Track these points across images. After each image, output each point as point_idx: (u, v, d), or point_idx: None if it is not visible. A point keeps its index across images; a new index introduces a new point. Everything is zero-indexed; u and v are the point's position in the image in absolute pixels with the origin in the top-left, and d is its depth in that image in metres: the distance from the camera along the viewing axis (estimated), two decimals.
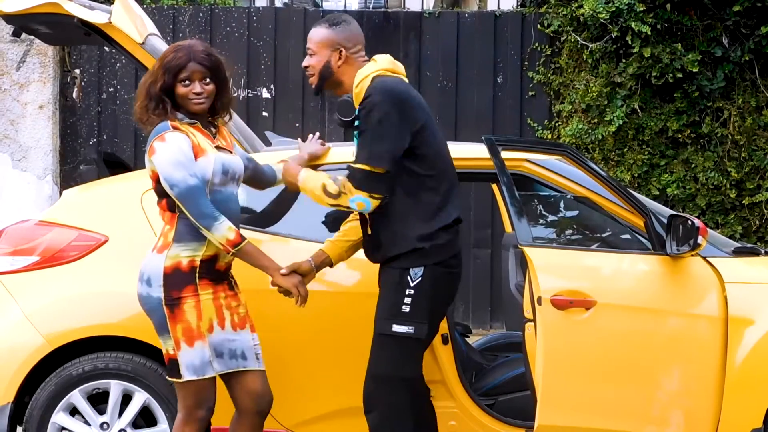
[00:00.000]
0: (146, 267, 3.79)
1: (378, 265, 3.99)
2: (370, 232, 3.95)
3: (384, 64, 3.93)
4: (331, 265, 4.12)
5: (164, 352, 3.80)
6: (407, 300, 3.83)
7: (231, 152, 3.92)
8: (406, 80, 3.98)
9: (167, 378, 3.87)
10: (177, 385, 3.81)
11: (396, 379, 3.85)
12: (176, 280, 3.73)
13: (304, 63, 4.01)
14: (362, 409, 4.17)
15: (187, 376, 3.75)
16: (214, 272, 3.81)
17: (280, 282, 3.88)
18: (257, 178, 4.14)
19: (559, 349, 4.01)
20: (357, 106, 3.90)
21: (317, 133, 4.41)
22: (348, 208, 3.83)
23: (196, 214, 3.69)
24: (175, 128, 3.76)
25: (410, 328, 3.83)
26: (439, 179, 3.89)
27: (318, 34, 3.96)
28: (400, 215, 3.85)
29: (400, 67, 4.00)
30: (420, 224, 3.84)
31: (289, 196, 4.48)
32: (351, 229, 4.12)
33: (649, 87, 8.30)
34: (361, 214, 3.96)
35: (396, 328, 3.83)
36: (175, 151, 3.70)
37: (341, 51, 3.92)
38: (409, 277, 3.84)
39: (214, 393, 3.83)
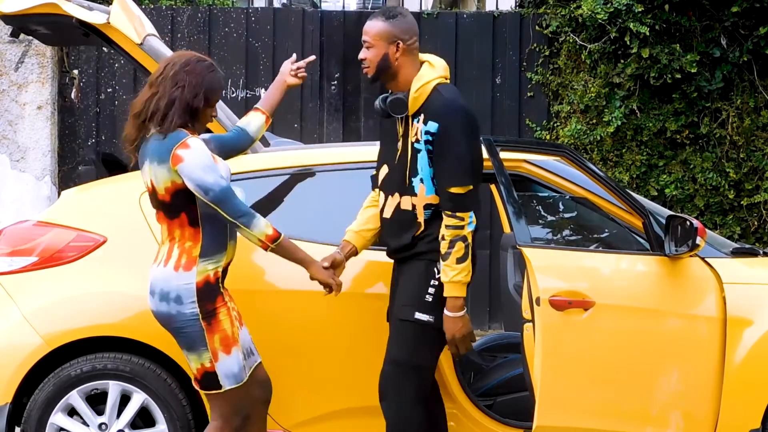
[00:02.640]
0: (170, 285, 3.75)
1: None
2: (400, 228, 3.99)
3: (442, 70, 4.02)
4: (356, 254, 4.15)
5: (197, 368, 3.78)
6: (431, 290, 3.92)
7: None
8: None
9: (201, 391, 3.86)
10: (212, 396, 3.81)
11: (413, 366, 3.92)
12: (209, 293, 3.74)
13: (361, 55, 4.03)
14: (361, 409, 4.19)
15: (227, 385, 3.77)
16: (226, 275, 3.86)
17: (319, 275, 3.92)
18: (227, 149, 4.13)
19: (558, 350, 4.01)
20: (412, 108, 3.95)
21: (294, 55, 4.40)
22: (468, 234, 3.88)
23: (234, 214, 3.70)
24: (192, 133, 3.77)
25: (431, 317, 3.91)
26: (479, 185, 4.00)
27: (375, 26, 4.00)
28: (434, 217, 3.93)
29: (449, 71, 4.09)
30: None
31: (289, 198, 4.49)
32: (372, 217, 4.16)
33: (647, 88, 8.30)
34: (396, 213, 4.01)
35: (418, 315, 3.91)
36: (203, 155, 3.70)
37: (398, 43, 3.97)
38: (435, 269, 3.92)
39: (247, 398, 3.86)
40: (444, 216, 3.89)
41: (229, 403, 3.80)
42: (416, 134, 3.93)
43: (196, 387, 3.87)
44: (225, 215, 3.71)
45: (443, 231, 3.87)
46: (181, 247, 3.78)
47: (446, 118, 3.88)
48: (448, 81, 4.02)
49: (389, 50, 3.97)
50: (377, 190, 4.17)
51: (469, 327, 3.92)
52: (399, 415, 3.93)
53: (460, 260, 3.86)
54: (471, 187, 3.89)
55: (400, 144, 4.00)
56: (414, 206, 3.96)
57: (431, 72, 3.98)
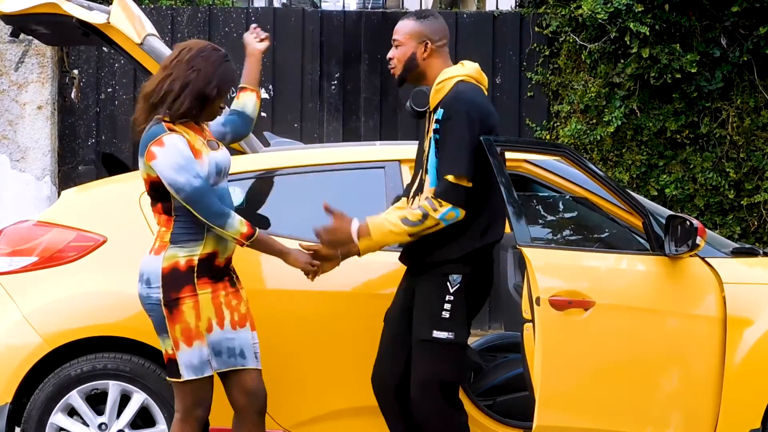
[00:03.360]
0: (145, 267, 3.79)
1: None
2: (428, 238, 3.92)
3: (470, 71, 4.00)
4: (359, 255, 4.04)
5: (163, 352, 3.80)
6: (447, 306, 3.89)
7: (218, 144, 3.92)
8: (486, 92, 4.05)
9: (166, 378, 3.87)
10: (175, 385, 3.81)
11: (439, 383, 3.90)
12: (174, 281, 3.72)
13: (390, 55, 4.03)
14: (362, 409, 4.19)
15: (186, 375, 3.75)
16: (213, 270, 3.79)
17: (296, 263, 3.89)
18: (237, 132, 4.17)
19: (558, 350, 4.00)
20: (433, 102, 3.95)
21: (251, 26, 4.39)
22: (435, 225, 3.82)
23: (206, 215, 3.69)
24: (171, 129, 3.72)
25: (450, 334, 3.89)
26: (497, 196, 3.94)
27: (406, 26, 4.01)
28: (454, 226, 3.87)
29: (484, 78, 4.07)
30: (471, 236, 3.91)
31: (289, 198, 4.48)
32: None
33: (647, 88, 8.30)
34: None
35: (436, 333, 3.88)
36: (175, 154, 3.67)
37: (427, 43, 3.97)
38: (449, 283, 3.90)
39: (211, 392, 3.84)
40: (428, 193, 3.85)
41: (191, 394, 3.78)
42: (431, 126, 3.94)
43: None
44: (199, 216, 3.70)
45: (420, 202, 3.84)
46: (159, 232, 3.82)
47: (452, 105, 3.88)
48: (475, 82, 3.98)
49: (417, 49, 3.98)
50: (404, 197, 4.15)
51: (342, 244, 3.85)
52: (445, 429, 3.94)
53: (406, 221, 3.80)
54: (464, 178, 3.83)
55: (426, 143, 4.00)
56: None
57: (458, 69, 3.99)
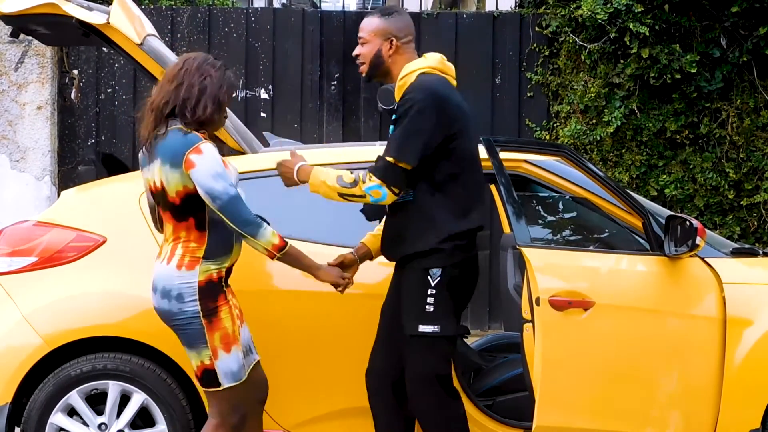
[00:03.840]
0: (172, 283, 3.74)
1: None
2: (392, 226, 3.99)
3: (432, 62, 3.98)
4: (371, 258, 4.17)
5: (197, 365, 3.78)
6: (430, 300, 3.90)
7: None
8: (454, 81, 4.03)
9: (204, 389, 3.84)
10: (211, 393, 3.82)
11: (432, 377, 3.91)
12: (211, 292, 3.74)
13: (356, 52, 4.05)
14: (361, 409, 4.18)
15: (225, 383, 3.77)
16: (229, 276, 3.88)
17: (327, 278, 3.94)
18: None
19: (558, 350, 4.01)
20: (398, 98, 3.95)
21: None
22: (362, 197, 3.85)
23: (240, 223, 3.70)
24: (205, 138, 3.76)
25: (436, 327, 3.89)
26: (467, 184, 3.93)
27: (371, 23, 4.03)
28: (426, 213, 3.89)
29: (449, 68, 4.05)
30: (443, 225, 3.89)
31: (289, 198, 4.48)
32: None
33: (647, 88, 8.30)
34: (390, 209, 3.99)
35: (422, 328, 3.89)
36: (213, 162, 3.70)
37: (392, 40, 3.98)
38: (429, 278, 3.90)
39: (245, 397, 3.86)
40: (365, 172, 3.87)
41: (227, 401, 3.80)
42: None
43: (197, 384, 3.86)
44: (231, 225, 3.70)
45: (359, 174, 3.85)
46: (185, 247, 3.78)
47: (406, 95, 3.87)
48: (439, 72, 3.96)
49: (383, 46, 3.99)
50: None
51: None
52: (438, 425, 3.95)
53: (340, 181, 3.84)
54: (394, 161, 3.80)
55: None
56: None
57: (420, 62, 3.98)
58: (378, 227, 4.20)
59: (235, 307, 3.85)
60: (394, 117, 3.92)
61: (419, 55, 4.04)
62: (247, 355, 3.89)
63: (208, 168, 3.68)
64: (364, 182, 3.82)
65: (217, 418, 3.82)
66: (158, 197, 3.82)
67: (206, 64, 3.81)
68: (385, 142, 3.94)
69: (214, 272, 3.76)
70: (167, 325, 3.82)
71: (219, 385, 3.77)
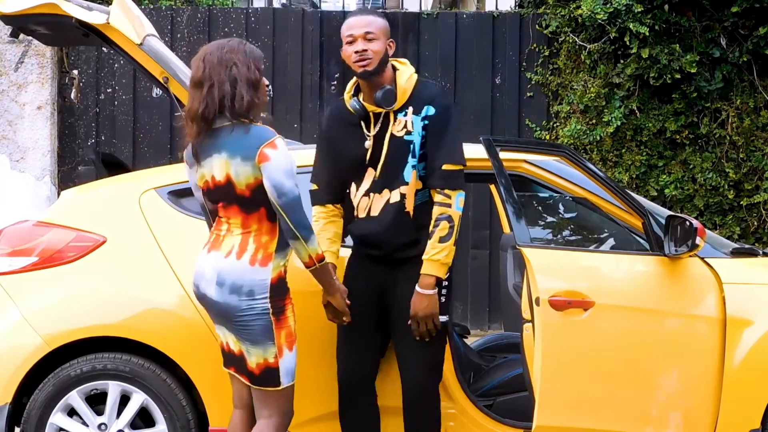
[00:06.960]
0: (244, 279, 3.68)
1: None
2: (404, 227, 4.01)
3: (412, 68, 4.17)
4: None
5: (257, 363, 3.71)
6: (444, 292, 4.00)
7: None
8: None
9: (260, 388, 3.75)
10: (268, 393, 3.75)
11: (440, 364, 4.10)
12: (280, 290, 3.73)
13: (363, 47, 3.94)
14: None
15: (285, 382, 3.74)
16: None
17: (338, 303, 3.95)
18: None
19: (557, 350, 4.01)
20: (401, 101, 3.99)
21: None
22: (456, 215, 3.95)
23: (298, 224, 3.66)
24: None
25: (446, 316, 4.02)
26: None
27: (378, 21, 4.02)
28: (427, 202, 4.01)
29: None
30: None
31: None
32: (335, 234, 4.14)
33: (647, 88, 8.31)
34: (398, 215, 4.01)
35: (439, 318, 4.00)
36: (287, 158, 3.68)
37: (390, 43, 4.05)
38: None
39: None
40: (433, 194, 3.96)
41: (288, 399, 3.77)
42: (405, 126, 3.97)
43: (246, 382, 3.77)
44: (289, 223, 3.65)
45: (434, 215, 3.93)
46: (257, 241, 3.72)
47: (441, 101, 4.01)
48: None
49: (387, 47, 4.02)
50: (329, 204, 4.13)
51: (435, 307, 3.94)
52: (435, 414, 4.06)
53: (443, 239, 3.91)
54: (461, 166, 3.97)
55: (369, 143, 4.01)
56: (403, 195, 3.99)
57: (410, 68, 4.10)
58: (328, 242, 4.09)
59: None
60: (425, 123, 3.96)
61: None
62: None
63: (281, 164, 3.65)
64: (449, 203, 3.92)
65: (276, 418, 3.75)
66: (220, 191, 3.75)
67: (223, 52, 3.69)
68: None
69: (282, 269, 3.75)
70: (226, 320, 3.72)
71: (279, 384, 3.72)
